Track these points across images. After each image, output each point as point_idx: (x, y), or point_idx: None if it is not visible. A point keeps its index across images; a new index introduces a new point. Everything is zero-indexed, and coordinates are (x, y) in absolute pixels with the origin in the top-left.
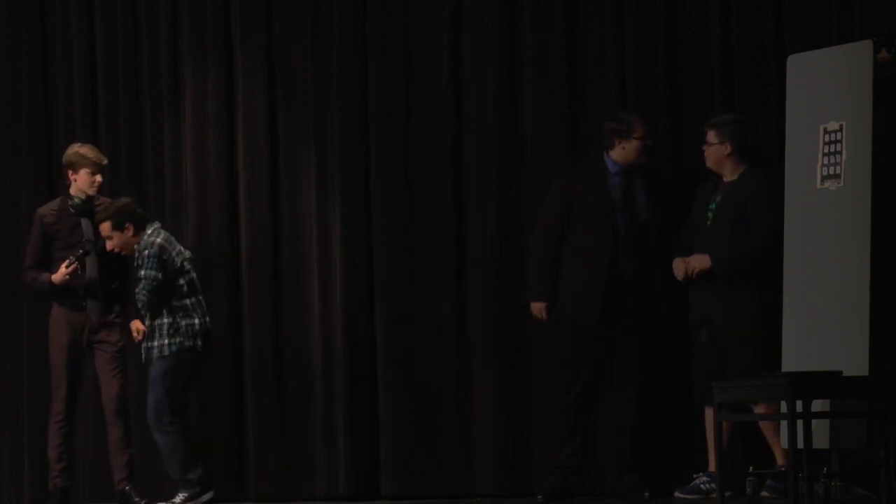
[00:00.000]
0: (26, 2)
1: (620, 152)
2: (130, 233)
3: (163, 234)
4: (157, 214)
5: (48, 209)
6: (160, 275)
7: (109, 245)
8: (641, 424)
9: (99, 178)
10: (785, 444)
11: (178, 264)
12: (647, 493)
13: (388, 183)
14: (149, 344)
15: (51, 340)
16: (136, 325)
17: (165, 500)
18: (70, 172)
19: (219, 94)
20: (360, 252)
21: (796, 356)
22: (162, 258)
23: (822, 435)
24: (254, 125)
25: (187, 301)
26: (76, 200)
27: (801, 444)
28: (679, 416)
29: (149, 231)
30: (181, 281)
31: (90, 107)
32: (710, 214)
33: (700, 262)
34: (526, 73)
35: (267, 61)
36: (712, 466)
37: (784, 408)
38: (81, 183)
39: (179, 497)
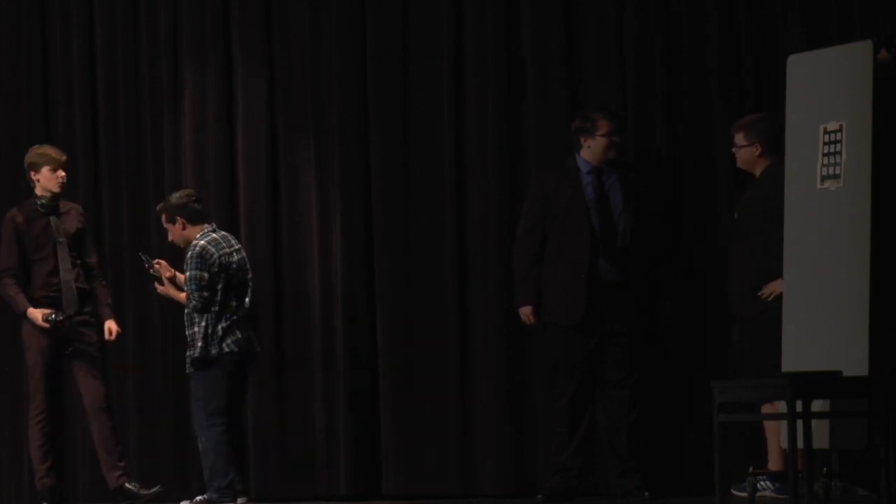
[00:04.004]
0: (26, 2)
1: (588, 151)
2: (181, 227)
3: (210, 236)
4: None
5: (16, 211)
6: (206, 274)
7: (169, 237)
8: (639, 424)
9: (61, 173)
10: (785, 444)
11: (216, 268)
12: (647, 493)
13: (388, 182)
14: (189, 352)
15: (27, 342)
16: (110, 325)
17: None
18: (32, 173)
19: (218, 94)
20: (360, 252)
21: (796, 356)
22: (204, 258)
23: (822, 435)
24: (253, 125)
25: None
26: (43, 200)
27: (801, 444)
28: (678, 416)
29: (202, 232)
30: (218, 286)
31: (90, 107)
32: (738, 207)
33: (776, 286)
34: (526, 72)
35: (267, 61)
36: (771, 464)
37: (784, 408)
38: (45, 181)
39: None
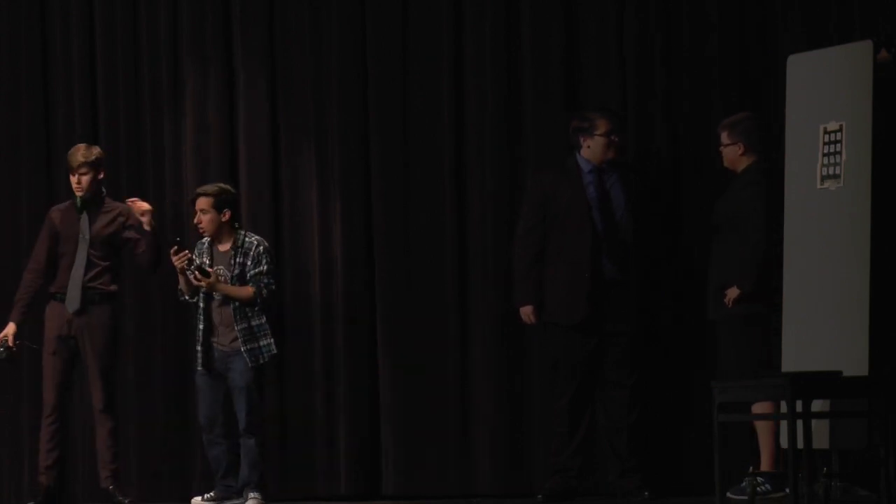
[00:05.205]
0: (26, 2)
1: (587, 150)
2: (226, 218)
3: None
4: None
5: (58, 207)
6: (276, 270)
7: (198, 219)
8: (639, 424)
9: (76, 178)
10: (785, 444)
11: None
12: (647, 493)
13: (388, 182)
14: (253, 345)
15: (44, 336)
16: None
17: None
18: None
19: (219, 94)
20: (360, 252)
21: (796, 356)
22: (272, 255)
23: (822, 435)
24: (254, 125)
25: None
26: (77, 199)
27: (801, 444)
28: (678, 416)
29: (243, 231)
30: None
31: (90, 107)
32: (715, 208)
33: (732, 292)
34: (526, 73)
35: (267, 61)
36: (764, 465)
37: (784, 408)
38: (72, 183)
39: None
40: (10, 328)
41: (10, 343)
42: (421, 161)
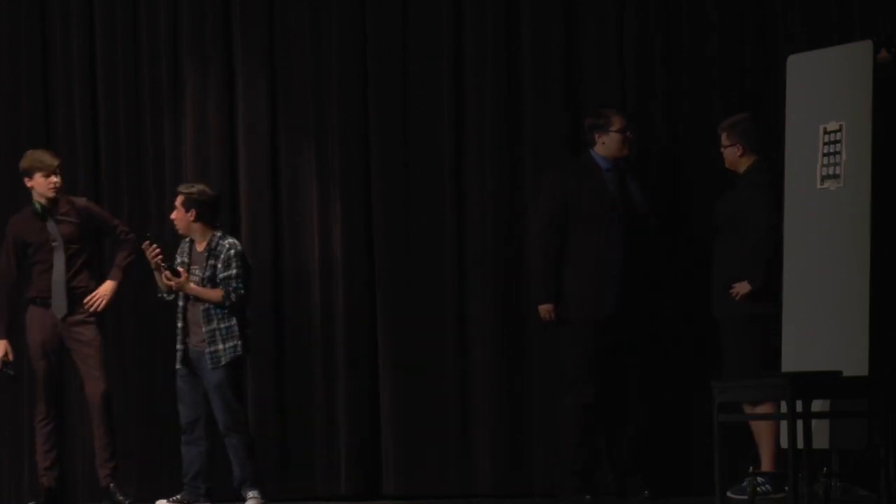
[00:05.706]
0: (26, 2)
1: (602, 147)
2: (192, 217)
3: (234, 239)
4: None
5: (18, 216)
6: (246, 274)
7: (172, 215)
8: (639, 424)
9: (53, 179)
10: (785, 444)
11: (250, 271)
12: (646, 493)
13: (388, 182)
14: (215, 348)
15: (28, 340)
16: (98, 289)
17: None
18: (27, 179)
19: (219, 94)
20: (360, 252)
21: (796, 356)
22: (245, 258)
23: (822, 435)
24: (254, 125)
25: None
26: (37, 206)
27: (801, 444)
28: (678, 416)
29: (219, 233)
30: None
31: (90, 107)
32: (717, 207)
33: (742, 287)
34: (526, 73)
35: (267, 61)
36: (765, 465)
37: (784, 408)
38: (39, 187)
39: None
40: (3, 344)
41: (10, 358)
42: (421, 161)
